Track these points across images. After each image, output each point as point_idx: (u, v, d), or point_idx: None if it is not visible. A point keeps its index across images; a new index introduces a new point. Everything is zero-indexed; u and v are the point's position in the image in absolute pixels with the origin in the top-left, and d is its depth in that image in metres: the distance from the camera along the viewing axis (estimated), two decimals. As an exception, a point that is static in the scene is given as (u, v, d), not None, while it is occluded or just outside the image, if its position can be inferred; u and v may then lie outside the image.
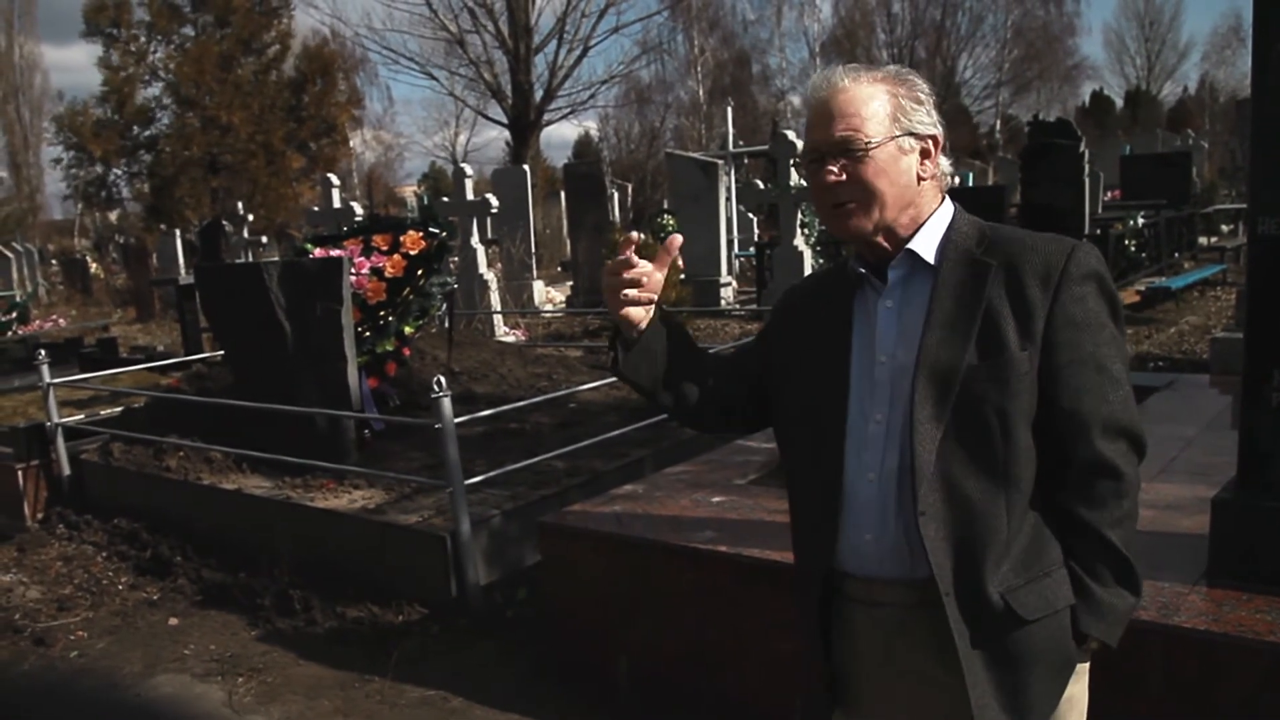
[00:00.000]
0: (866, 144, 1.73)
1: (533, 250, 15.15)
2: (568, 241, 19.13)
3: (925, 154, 1.80)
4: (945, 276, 1.77)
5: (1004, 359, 1.72)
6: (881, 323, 1.82)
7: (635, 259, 1.86)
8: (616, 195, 25.37)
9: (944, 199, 1.86)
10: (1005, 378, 1.71)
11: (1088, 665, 1.86)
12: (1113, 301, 1.79)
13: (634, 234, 1.92)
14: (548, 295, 16.02)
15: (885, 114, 1.75)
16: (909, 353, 1.77)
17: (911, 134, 1.77)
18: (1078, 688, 1.84)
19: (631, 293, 1.87)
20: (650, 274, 1.88)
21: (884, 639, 1.83)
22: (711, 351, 2.18)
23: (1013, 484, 1.74)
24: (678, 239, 1.94)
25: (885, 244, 1.81)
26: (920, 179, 1.80)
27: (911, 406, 1.73)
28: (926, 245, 1.80)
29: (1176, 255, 15.82)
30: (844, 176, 1.75)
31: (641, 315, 1.91)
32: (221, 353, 7.51)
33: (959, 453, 1.72)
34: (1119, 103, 54.94)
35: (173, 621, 5.17)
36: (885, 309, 1.82)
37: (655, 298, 1.91)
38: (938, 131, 1.81)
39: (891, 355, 1.80)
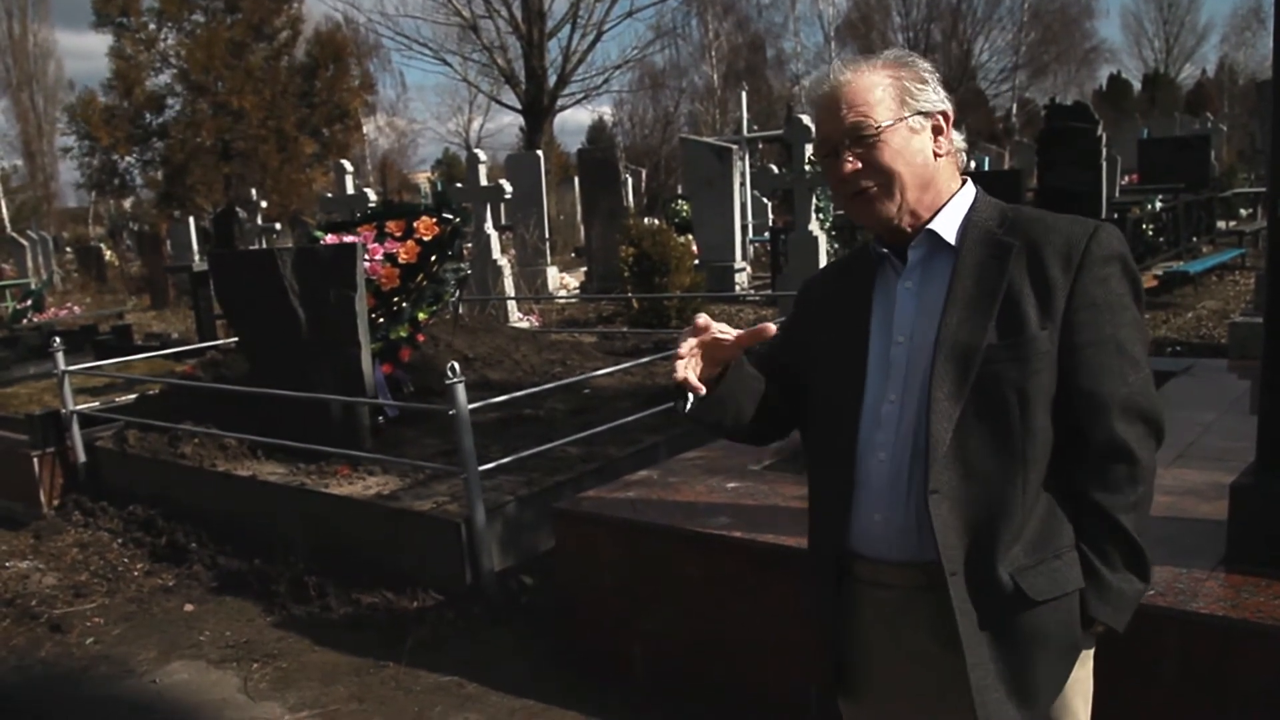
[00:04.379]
0: (878, 128, 1.73)
1: (547, 236, 15.13)
2: (582, 227, 19.10)
3: (937, 130, 1.80)
4: (966, 256, 1.77)
5: (1024, 338, 1.71)
6: (900, 303, 1.82)
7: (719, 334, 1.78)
8: (631, 181, 25.37)
9: (965, 181, 1.85)
10: (1025, 357, 1.71)
11: (1093, 650, 1.85)
12: (1135, 284, 1.77)
13: (768, 326, 1.81)
14: (562, 281, 16.01)
15: (891, 97, 1.75)
16: (927, 333, 1.77)
17: (920, 113, 1.77)
18: (1083, 671, 1.84)
19: (696, 366, 1.79)
20: (731, 344, 1.79)
21: (889, 621, 1.82)
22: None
23: (1029, 464, 1.73)
24: (770, 328, 1.81)
25: (907, 227, 1.81)
26: (936, 155, 1.80)
27: (930, 383, 1.72)
28: (947, 226, 1.80)
29: (1195, 239, 15.69)
30: (859, 164, 1.75)
31: (705, 380, 1.82)
32: (236, 339, 7.53)
33: (976, 431, 1.72)
34: (1137, 86, 54.54)
35: (188, 608, 5.19)
36: (905, 289, 1.82)
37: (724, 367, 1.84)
38: (947, 106, 1.81)
39: (909, 336, 1.79)
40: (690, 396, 1.82)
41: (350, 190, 13.10)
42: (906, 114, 1.75)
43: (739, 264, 14.48)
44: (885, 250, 1.85)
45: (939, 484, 1.71)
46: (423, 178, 44.36)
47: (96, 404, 7.62)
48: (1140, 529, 1.77)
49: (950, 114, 1.81)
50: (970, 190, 1.84)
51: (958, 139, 1.84)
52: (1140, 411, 1.76)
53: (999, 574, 1.72)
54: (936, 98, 1.79)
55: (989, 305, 1.72)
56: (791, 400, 2.01)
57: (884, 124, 1.73)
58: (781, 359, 2.03)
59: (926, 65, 1.81)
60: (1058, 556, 1.76)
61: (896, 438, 1.77)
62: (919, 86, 1.78)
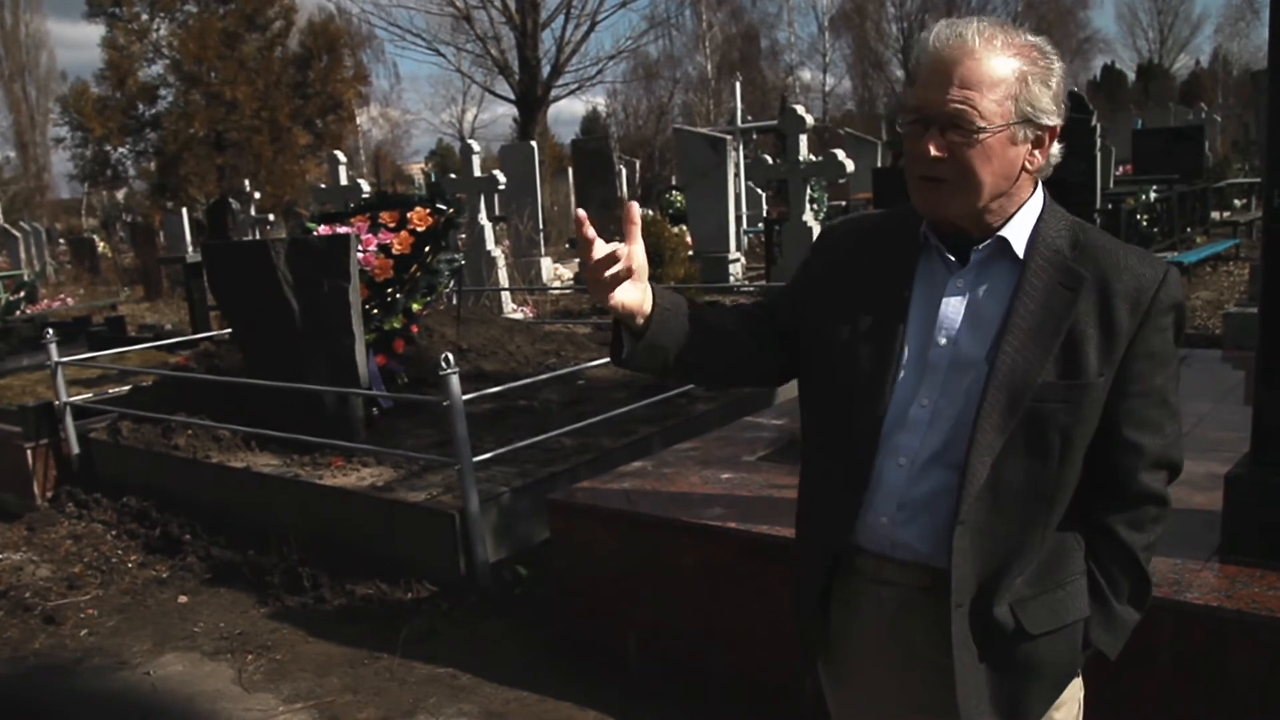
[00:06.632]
0: (980, 128, 1.58)
1: (540, 227, 15.10)
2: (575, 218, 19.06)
3: (1038, 144, 1.65)
4: (1033, 276, 1.66)
5: (1081, 382, 1.64)
6: (949, 303, 1.71)
7: (598, 241, 1.65)
8: (624, 171, 25.29)
9: (1036, 187, 1.72)
10: (1079, 401, 1.64)
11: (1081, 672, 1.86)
12: (1182, 332, 1.75)
13: (633, 205, 1.71)
14: (556, 272, 15.97)
15: (1008, 94, 1.59)
16: (975, 344, 1.68)
17: (1030, 122, 1.62)
18: (1070, 691, 1.83)
19: (617, 270, 1.64)
20: (629, 252, 1.65)
21: (887, 617, 1.79)
22: (726, 307, 1.94)
23: (1055, 506, 1.70)
24: (635, 206, 1.71)
25: (967, 229, 1.70)
26: (1024, 170, 1.66)
27: (977, 413, 1.64)
28: (1018, 235, 1.68)
29: (1189, 230, 15.68)
30: (945, 153, 1.60)
31: (638, 300, 1.70)
32: (229, 331, 7.51)
33: (1013, 468, 1.65)
34: (1131, 76, 54.63)
35: (182, 599, 5.18)
36: (956, 289, 1.71)
37: (644, 276, 1.70)
38: (1059, 121, 1.65)
39: (954, 341, 1.69)
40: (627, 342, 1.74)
41: (344, 181, 13.10)
42: (1016, 119, 1.60)
43: (733, 255, 14.43)
44: (936, 241, 1.73)
45: (968, 515, 1.65)
46: (417, 169, 44.35)
47: (90, 395, 7.60)
48: (1149, 564, 1.78)
49: (1059, 129, 1.66)
50: (1039, 198, 1.72)
51: (1055, 153, 1.69)
52: (1169, 462, 1.76)
53: (999, 606, 1.70)
54: (1054, 109, 1.63)
55: (1051, 339, 1.64)
56: (793, 356, 1.90)
57: (989, 126, 1.58)
58: (784, 318, 1.89)
59: (1059, 68, 1.66)
60: (1061, 586, 1.73)
61: (921, 444, 1.70)
62: (1041, 90, 1.61)
